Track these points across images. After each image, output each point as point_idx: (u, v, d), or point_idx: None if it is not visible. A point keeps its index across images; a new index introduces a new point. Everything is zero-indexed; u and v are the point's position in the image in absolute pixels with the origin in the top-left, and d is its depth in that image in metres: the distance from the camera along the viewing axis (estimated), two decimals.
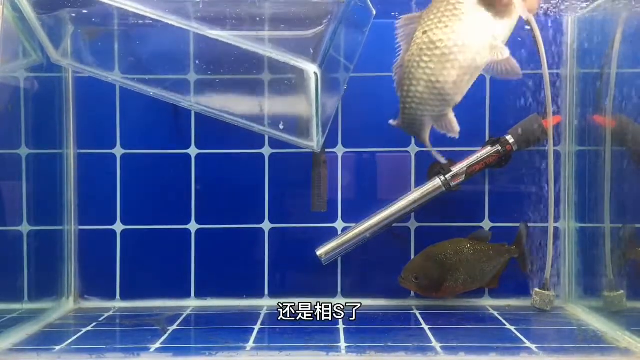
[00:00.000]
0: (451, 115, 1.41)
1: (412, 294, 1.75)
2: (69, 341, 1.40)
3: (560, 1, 1.64)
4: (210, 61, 1.60)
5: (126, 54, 1.62)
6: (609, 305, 1.58)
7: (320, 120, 1.39)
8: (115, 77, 1.61)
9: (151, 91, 1.58)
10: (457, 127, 1.42)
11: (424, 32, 1.36)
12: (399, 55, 1.42)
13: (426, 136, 1.47)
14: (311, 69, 1.33)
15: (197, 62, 1.65)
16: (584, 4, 1.65)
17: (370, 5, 1.56)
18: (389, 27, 1.46)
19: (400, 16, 1.41)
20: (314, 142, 1.43)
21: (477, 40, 1.34)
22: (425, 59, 1.36)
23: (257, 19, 1.44)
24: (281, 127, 1.49)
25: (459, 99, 1.40)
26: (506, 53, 1.35)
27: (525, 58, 1.71)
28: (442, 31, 1.34)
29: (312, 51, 1.35)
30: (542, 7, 1.66)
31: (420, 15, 1.39)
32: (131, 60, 1.62)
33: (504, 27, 1.36)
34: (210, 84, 1.61)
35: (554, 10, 1.70)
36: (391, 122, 1.52)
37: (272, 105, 1.61)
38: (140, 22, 1.50)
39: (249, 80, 1.63)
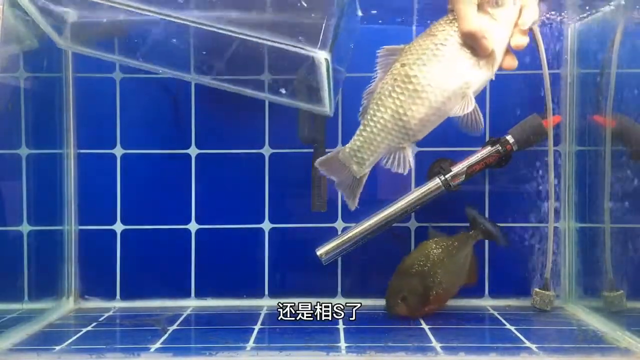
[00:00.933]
0: (407, 152, 1.42)
1: None
2: (69, 341, 1.40)
3: (560, 12, 1.66)
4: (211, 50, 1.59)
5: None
6: (608, 305, 1.58)
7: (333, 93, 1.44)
8: (119, 57, 1.61)
9: (158, 69, 1.58)
10: (409, 165, 1.41)
11: (402, 65, 1.37)
12: (373, 81, 1.43)
13: (367, 169, 1.46)
14: (322, 55, 1.33)
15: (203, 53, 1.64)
16: (584, 14, 1.66)
17: (359, 10, 1.57)
18: (388, 29, 1.46)
19: (383, 46, 1.43)
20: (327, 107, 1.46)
21: (452, 84, 1.35)
22: (398, 90, 1.37)
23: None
24: (283, 91, 1.50)
25: (420, 136, 1.41)
26: (471, 106, 1.36)
27: (525, 58, 1.71)
28: (420, 68, 1.35)
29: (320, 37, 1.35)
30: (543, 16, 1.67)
31: (402, 48, 1.40)
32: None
33: (480, 78, 1.38)
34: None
35: (556, 19, 1.70)
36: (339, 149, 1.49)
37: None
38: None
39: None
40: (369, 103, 1.41)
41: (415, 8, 1.67)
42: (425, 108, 1.37)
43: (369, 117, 1.41)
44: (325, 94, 1.45)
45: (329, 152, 1.73)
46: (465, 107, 1.37)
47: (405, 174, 1.43)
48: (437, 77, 1.35)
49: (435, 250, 1.62)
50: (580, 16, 1.67)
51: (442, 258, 1.61)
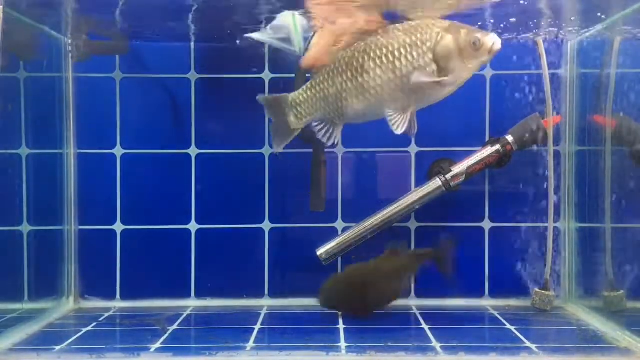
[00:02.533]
0: (338, 129, 1.44)
1: (413, 294, 1.75)
2: (69, 341, 1.40)
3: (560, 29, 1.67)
4: None
5: None
6: (608, 305, 1.58)
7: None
8: None
9: None
10: (335, 140, 1.45)
11: (365, 53, 1.37)
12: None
13: (302, 125, 1.47)
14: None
15: None
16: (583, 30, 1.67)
17: None
18: None
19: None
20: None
21: (398, 99, 1.36)
22: (349, 74, 1.38)
23: None
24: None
25: (351, 122, 1.44)
26: (402, 129, 1.37)
27: (525, 58, 1.72)
28: (377, 68, 1.36)
29: None
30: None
31: (377, 31, 1.39)
32: None
33: (424, 100, 1.39)
34: None
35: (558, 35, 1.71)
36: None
37: None
38: None
39: None
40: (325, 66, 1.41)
41: None
42: (364, 105, 1.38)
43: (318, 81, 1.42)
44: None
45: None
46: (401, 124, 1.37)
47: (328, 144, 1.46)
48: (387, 86, 1.36)
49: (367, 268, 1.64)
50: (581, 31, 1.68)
51: (372, 275, 1.63)
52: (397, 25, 1.38)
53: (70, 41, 1.70)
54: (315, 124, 1.45)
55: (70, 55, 1.71)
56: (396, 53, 1.35)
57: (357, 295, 1.60)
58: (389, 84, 1.35)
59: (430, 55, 1.33)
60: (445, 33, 1.33)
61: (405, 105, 1.37)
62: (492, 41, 1.34)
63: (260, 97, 1.50)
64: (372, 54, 1.36)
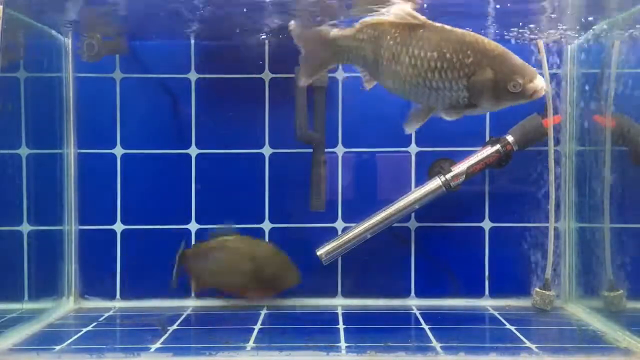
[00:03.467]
0: (371, 82, 1.40)
1: (413, 294, 1.75)
2: (69, 341, 1.40)
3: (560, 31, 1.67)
4: None
5: None
6: (608, 305, 1.58)
7: None
8: None
9: None
10: (367, 86, 1.41)
11: (421, 47, 1.29)
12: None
13: (338, 62, 1.47)
14: None
15: None
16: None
17: None
18: None
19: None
20: None
21: (427, 95, 1.31)
22: (409, 52, 1.28)
23: None
24: None
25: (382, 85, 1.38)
26: (413, 127, 1.39)
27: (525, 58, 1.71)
28: (428, 63, 1.28)
29: None
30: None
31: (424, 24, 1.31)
32: None
33: (448, 113, 1.32)
34: None
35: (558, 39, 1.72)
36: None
37: None
38: None
39: None
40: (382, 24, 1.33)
41: None
42: (395, 87, 1.33)
43: (372, 32, 1.33)
44: None
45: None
46: (413, 126, 1.37)
47: (362, 89, 1.42)
48: (414, 87, 1.30)
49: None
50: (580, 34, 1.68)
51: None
52: (446, 27, 1.29)
53: (85, 40, 1.69)
54: (361, 70, 1.40)
55: (83, 53, 1.70)
56: (432, 63, 1.27)
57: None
58: (416, 86, 1.29)
59: (465, 83, 1.26)
60: (488, 65, 1.24)
61: (426, 109, 1.34)
62: (534, 89, 1.24)
63: (295, 27, 1.41)
64: (410, 50, 1.28)
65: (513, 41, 1.71)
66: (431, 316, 1.59)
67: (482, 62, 1.25)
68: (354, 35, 1.36)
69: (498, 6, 1.48)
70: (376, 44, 1.33)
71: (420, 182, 1.73)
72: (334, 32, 1.38)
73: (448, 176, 1.67)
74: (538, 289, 1.70)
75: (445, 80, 1.26)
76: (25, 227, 1.67)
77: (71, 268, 1.76)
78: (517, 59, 1.26)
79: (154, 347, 1.35)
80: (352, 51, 1.36)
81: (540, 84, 1.24)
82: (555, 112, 1.72)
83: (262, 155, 1.77)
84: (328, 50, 1.38)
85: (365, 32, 1.34)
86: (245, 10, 1.50)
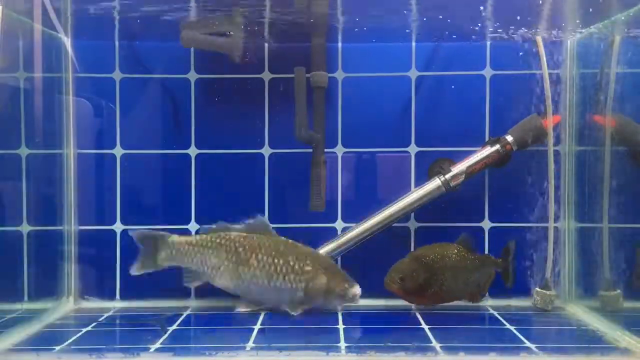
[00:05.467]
0: None
1: None
2: (69, 341, 1.40)
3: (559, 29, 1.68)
4: None
5: None
6: (605, 304, 1.58)
7: None
8: None
9: None
10: None
11: None
12: None
13: None
14: None
15: None
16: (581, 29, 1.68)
17: None
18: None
19: None
20: None
21: None
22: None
23: None
24: None
25: None
26: None
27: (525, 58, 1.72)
28: None
29: None
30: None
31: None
32: None
33: None
34: None
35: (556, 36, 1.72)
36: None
37: None
38: None
39: None
40: None
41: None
42: (233, 286, 1.63)
43: (204, 244, 1.65)
44: None
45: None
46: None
47: (185, 285, 1.69)
48: (256, 286, 1.61)
49: (453, 256, 1.62)
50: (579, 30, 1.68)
51: (456, 266, 1.61)
52: (290, 242, 1.62)
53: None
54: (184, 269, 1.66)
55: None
56: (278, 267, 1.58)
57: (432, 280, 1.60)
58: (259, 286, 1.59)
59: (303, 285, 1.57)
60: (322, 274, 1.57)
61: (257, 302, 1.63)
62: (351, 295, 1.57)
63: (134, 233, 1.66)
64: (259, 255, 1.60)
65: (516, 38, 1.72)
66: (431, 316, 1.59)
67: (317, 271, 1.58)
68: (196, 242, 1.64)
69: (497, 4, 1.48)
70: (220, 249, 1.62)
71: (420, 182, 1.73)
72: (173, 236, 1.66)
73: (448, 176, 1.67)
74: (538, 289, 1.70)
75: (287, 282, 1.59)
76: (25, 227, 1.67)
77: (71, 268, 1.76)
78: (340, 270, 1.62)
79: (153, 347, 1.35)
80: (191, 253, 1.64)
81: (358, 289, 1.58)
82: (555, 112, 1.72)
83: (262, 155, 1.77)
84: (162, 252, 1.65)
85: (209, 241, 1.63)
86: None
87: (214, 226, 1.65)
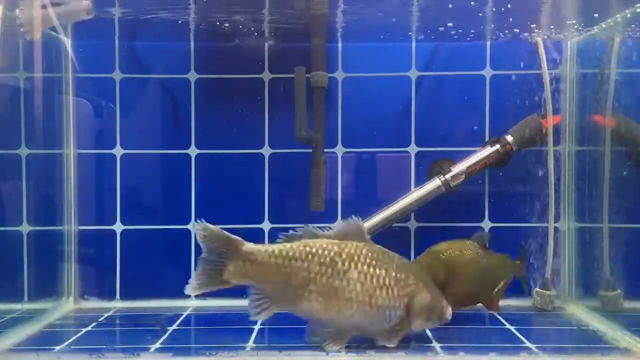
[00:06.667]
0: None
1: None
2: (69, 341, 1.40)
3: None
4: None
5: None
6: (605, 304, 1.58)
7: None
8: None
9: None
10: None
11: None
12: None
13: None
14: None
15: None
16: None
17: None
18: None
19: None
20: None
21: None
22: None
23: None
24: None
25: None
26: None
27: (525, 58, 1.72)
28: None
29: None
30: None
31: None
32: None
33: None
34: None
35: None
36: None
37: None
38: None
39: None
40: None
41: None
42: (324, 308, 1.29)
43: (288, 256, 1.31)
44: None
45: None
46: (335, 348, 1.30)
47: (251, 319, 1.31)
48: (357, 304, 1.29)
49: (471, 252, 1.53)
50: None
51: (474, 262, 1.53)
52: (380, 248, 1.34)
53: None
54: (254, 291, 1.31)
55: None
56: (380, 280, 1.29)
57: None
58: (358, 307, 1.29)
59: (405, 301, 1.30)
60: (424, 288, 1.32)
61: (348, 329, 1.31)
62: (448, 314, 1.34)
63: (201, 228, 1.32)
64: (359, 265, 1.29)
65: (516, 38, 1.72)
66: None
67: (421, 284, 1.31)
68: (278, 253, 1.30)
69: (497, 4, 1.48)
70: (309, 260, 1.29)
71: (420, 182, 1.73)
72: (249, 245, 1.32)
73: (448, 176, 1.67)
74: (538, 289, 1.70)
75: (389, 297, 1.29)
76: (25, 227, 1.67)
77: (71, 268, 1.76)
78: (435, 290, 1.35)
79: (153, 347, 1.35)
80: (269, 269, 1.29)
81: (450, 310, 1.34)
82: (555, 112, 1.72)
83: (262, 155, 1.77)
84: (231, 264, 1.31)
85: (294, 251, 1.30)
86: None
87: (297, 232, 1.36)
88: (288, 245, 1.32)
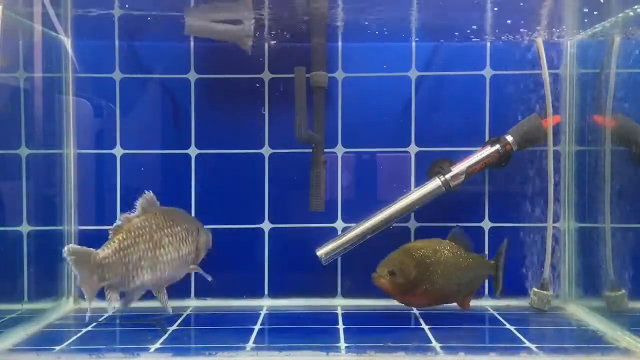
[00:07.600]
0: None
1: None
2: (69, 341, 1.40)
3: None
4: None
5: None
6: (610, 305, 1.58)
7: None
8: None
9: None
10: None
11: None
12: None
13: None
14: None
15: None
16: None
17: None
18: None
19: None
20: None
21: None
22: None
23: None
24: None
25: None
26: None
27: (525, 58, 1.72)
28: None
29: None
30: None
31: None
32: None
33: None
34: None
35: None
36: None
37: None
38: None
39: None
40: None
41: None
42: (152, 276, 1.53)
43: (123, 245, 1.51)
44: None
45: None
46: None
47: (109, 308, 1.50)
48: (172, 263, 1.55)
49: (446, 252, 1.56)
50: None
51: (449, 262, 1.55)
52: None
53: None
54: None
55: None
56: (181, 236, 1.55)
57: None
58: (173, 261, 1.53)
59: (194, 247, 1.57)
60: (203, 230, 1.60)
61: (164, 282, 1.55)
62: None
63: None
64: (166, 231, 1.53)
65: (516, 38, 1.72)
66: (431, 316, 1.59)
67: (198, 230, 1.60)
68: (116, 248, 1.50)
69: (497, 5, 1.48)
70: (137, 241, 1.52)
71: (420, 182, 1.73)
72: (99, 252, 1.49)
73: (448, 176, 1.67)
74: (536, 289, 1.70)
75: (189, 246, 1.57)
76: (25, 227, 1.67)
77: (71, 268, 1.75)
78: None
79: (153, 347, 1.35)
80: (117, 263, 1.50)
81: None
82: (555, 112, 1.72)
83: (262, 155, 1.77)
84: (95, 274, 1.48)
85: (124, 239, 1.52)
86: None
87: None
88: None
